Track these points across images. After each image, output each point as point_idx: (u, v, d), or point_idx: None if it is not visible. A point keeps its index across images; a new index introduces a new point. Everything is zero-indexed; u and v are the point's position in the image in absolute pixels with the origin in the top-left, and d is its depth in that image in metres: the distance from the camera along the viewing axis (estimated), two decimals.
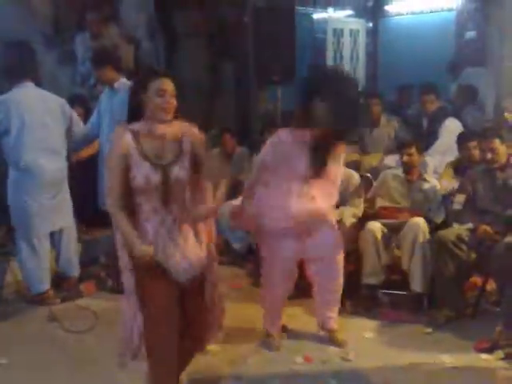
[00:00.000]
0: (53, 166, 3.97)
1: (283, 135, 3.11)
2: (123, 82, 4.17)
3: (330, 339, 3.37)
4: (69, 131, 4.11)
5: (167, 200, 2.47)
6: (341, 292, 3.37)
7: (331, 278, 3.30)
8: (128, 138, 2.43)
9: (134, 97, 2.50)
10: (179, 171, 2.47)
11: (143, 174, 2.41)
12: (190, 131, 2.54)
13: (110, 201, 2.44)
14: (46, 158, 3.92)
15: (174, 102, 2.48)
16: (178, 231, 2.49)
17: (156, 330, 2.46)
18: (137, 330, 2.55)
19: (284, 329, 3.50)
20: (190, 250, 2.51)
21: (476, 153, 4.20)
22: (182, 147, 2.50)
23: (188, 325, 2.57)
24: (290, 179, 3.07)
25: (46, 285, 4.02)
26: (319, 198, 3.13)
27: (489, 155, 3.69)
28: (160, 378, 2.53)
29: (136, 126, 2.47)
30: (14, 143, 3.87)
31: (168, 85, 2.47)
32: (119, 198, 2.43)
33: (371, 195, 4.23)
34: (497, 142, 3.67)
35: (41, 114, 3.93)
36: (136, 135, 2.45)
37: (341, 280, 3.34)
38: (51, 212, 4.00)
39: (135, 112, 2.50)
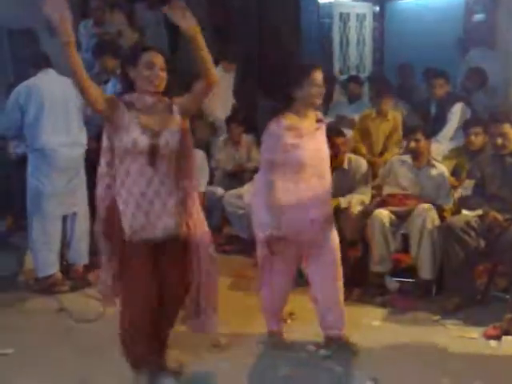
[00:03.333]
0: (70, 150, 4.05)
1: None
2: None
3: (340, 348, 3.12)
4: (85, 119, 4.19)
5: (154, 162, 2.56)
6: (342, 292, 3.11)
7: (331, 275, 3.07)
8: (121, 104, 2.54)
9: (124, 71, 2.60)
10: (169, 137, 2.58)
11: (131, 137, 2.51)
12: (178, 100, 2.64)
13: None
14: (64, 143, 4.01)
15: (163, 74, 2.56)
16: (165, 192, 2.59)
17: (133, 301, 2.61)
18: (111, 271, 2.71)
19: (290, 316, 3.49)
20: (174, 210, 2.62)
21: (478, 140, 4.15)
22: (172, 113, 2.61)
23: (166, 292, 2.67)
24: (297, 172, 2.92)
25: (54, 268, 4.06)
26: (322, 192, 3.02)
27: (499, 140, 3.61)
28: (139, 354, 2.69)
29: (127, 97, 2.58)
30: (34, 126, 3.96)
31: (157, 58, 2.55)
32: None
33: (379, 182, 4.20)
34: (507, 127, 3.59)
35: (61, 99, 4.01)
36: (128, 104, 2.55)
37: (341, 281, 3.11)
38: (66, 196, 4.07)
39: (127, 86, 2.60)
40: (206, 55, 2.53)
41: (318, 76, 2.93)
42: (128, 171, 2.56)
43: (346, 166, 4.08)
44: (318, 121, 3.03)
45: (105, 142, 2.63)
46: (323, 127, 3.06)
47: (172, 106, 2.62)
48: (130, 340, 2.68)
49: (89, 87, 2.46)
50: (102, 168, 2.65)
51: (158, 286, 2.65)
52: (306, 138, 2.91)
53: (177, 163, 2.66)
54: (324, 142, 3.04)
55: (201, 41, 2.50)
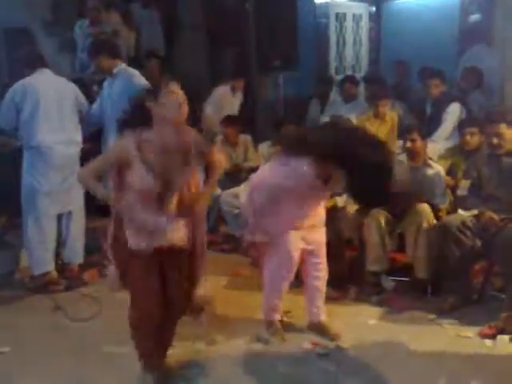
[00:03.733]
0: (66, 148, 4.05)
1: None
2: (122, 68, 4.23)
3: (322, 332, 3.28)
4: (81, 118, 4.20)
5: (162, 203, 2.55)
6: (325, 286, 3.32)
7: (320, 272, 3.27)
8: (131, 142, 2.50)
9: (143, 104, 2.53)
10: (181, 179, 2.57)
11: (144, 180, 2.49)
12: (196, 141, 2.63)
13: (86, 172, 2.60)
14: (60, 141, 4.01)
15: (184, 107, 2.52)
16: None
17: (140, 303, 2.63)
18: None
19: (286, 314, 3.49)
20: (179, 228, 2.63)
21: (473, 140, 4.16)
22: (189, 160, 2.59)
23: (169, 299, 2.69)
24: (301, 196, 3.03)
25: (49, 266, 4.05)
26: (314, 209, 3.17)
27: (494, 140, 3.61)
28: (146, 350, 2.73)
29: (145, 133, 2.52)
30: (29, 125, 3.96)
31: (178, 89, 2.52)
32: (95, 176, 2.57)
33: None
34: (503, 127, 3.58)
35: (57, 99, 4.02)
36: (141, 143, 2.50)
37: (326, 274, 3.31)
38: (62, 194, 4.07)
39: (143, 120, 2.53)
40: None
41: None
42: (133, 201, 2.55)
43: None
44: None
45: (112, 176, 2.63)
46: None
47: (189, 147, 2.58)
48: (139, 338, 2.73)
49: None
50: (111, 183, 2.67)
51: (163, 291, 2.67)
52: None
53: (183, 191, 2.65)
54: None
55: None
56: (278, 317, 3.35)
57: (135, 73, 4.27)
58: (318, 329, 3.31)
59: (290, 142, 3.09)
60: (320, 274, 3.28)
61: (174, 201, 2.58)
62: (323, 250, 3.27)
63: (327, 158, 2.78)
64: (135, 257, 2.60)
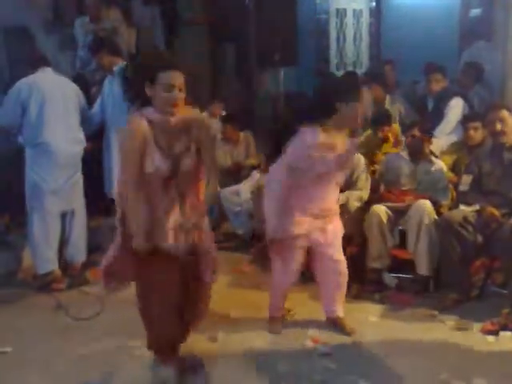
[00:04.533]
0: (71, 147, 4.07)
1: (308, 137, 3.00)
2: (121, 65, 4.20)
3: (339, 327, 3.31)
4: (83, 117, 4.21)
5: (171, 188, 2.51)
6: (346, 281, 3.33)
7: (339, 265, 3.27)
8: (145, 125, 2.44)
9: (141, 86, 2.46)
10: (189, 162, 2.53)
11: (153, 163, 2.45)
12: (199, 121, 2.57)
13: (130, 183, 2.47)
14: (65, 140, 4.02)
15: (182, 95, 2.47)
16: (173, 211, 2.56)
17: (156, 307, 2.60)
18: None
19: (287, 312, 3.50)
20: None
21: (477, 134, 4.15)
22: (191, 138, 2.54)
23: (189, 298, 2.67)
24: (317, 182, 3.05)
25: (53, 265, 4.06)
26: (333, 194, 3.18)
27: (498, 126, 3.59)
28: (161, 351, 2.71)
29: (150, 113, 2.47)
30: (35, 123, 3.96)
31: (177, 79, 2.44)
32: (137, 182, 2.46)
33: (377, 178, 4.20)
34: (505, 113, 3.59)
35: (60, 97, 4.04)
36: (151, 124, 2.46)
37: (345, 270, 3.30)
38: (66, 192, 4.08)
39: (139, 97, 2.49)
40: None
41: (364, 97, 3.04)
42: (148, 196, 2.53)
43: None
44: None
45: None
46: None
47: (192, 129, 2.54)
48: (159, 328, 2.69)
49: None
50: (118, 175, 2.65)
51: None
52: (331, 153, 2.98)
53: (189, 182, 2.63)
54: None
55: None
56: (280, 313, 3.38)
57: None
58: (335, 324, 3.33)
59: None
60: (340, 267, 3.26)
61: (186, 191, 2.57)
62: (340, 242, 3.26)
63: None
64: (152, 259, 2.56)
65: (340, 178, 3.19)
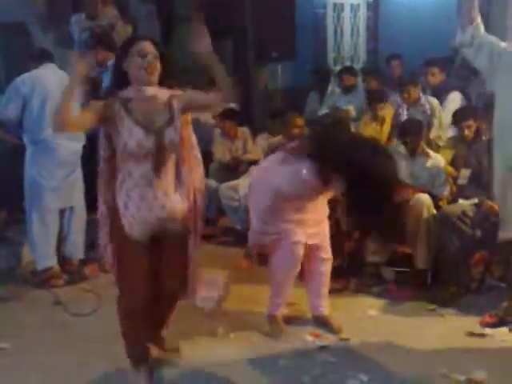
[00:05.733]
0: (71, 144, 4.05)
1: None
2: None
3: (325, 326, 3.28)
4: None
5: (159, 165, 2.50)
6: (329, 279, 3.32)
7: (325, 265, 3.27)
8: (117, 105, 2.46)
9: (118, 63, 2.54)
10: (173, 134, 2.51)
11: (135, 139, 2.44)
12: (177, 92, 2.56)
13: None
14: (66, 137, 3.98)
15: (156, 63, 2.49)
16: (159, 184, 2.53)
17: (130, 292, 2.56)
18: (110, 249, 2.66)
19: (291, 306, 3.48)
20: (171, 202, 2.56)
21: (471, 131, 4.10)
22: (172, 108, 2.52)
23: (165, 281, 2.62)
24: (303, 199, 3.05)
25: (52, 260, 4.06)
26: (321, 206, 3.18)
27: None
28: (132, 341, 2.66)
29: (124, 92, 2.50)
30: (36, 118, 3.94)
31: (149, 47, 2.49)
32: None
33: None
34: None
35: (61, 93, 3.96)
36: (125, 102, 2.47)
37: (329, 268, 3.30)
38: (65, 189, 4.08)
39: (120, 79, 2.53)
40: (221, 78, 2.50)
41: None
42: (130, 173, 2.51)
43: None
44: None
45: (102, 140, 2.56)
46: None
47: (172, 100, 2.53)
48: (129, 328, 2.66)
49: (78, 120, 2.43)
50: (101, 165, 2.61)
51: (154, 275, 2.60)
52: None
53: (179, 161, 2.61)
54: None
55: (216, 68, 2.49)
56: (281, 311, 3.33)
57: None
58: (322, 322, 3.30)
59: (307, 141, 3.09)
60: (325, 267, 3.27)
61: (170, 167, 2.54)
62: (328, 243, 3.26)
63: (332, 164, 2.76)
64: (128, 239, 2.54)
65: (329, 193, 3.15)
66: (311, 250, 3.21)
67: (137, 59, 2.46)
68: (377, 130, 4.98)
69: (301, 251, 3.14)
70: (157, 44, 2.54)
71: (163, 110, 2.51)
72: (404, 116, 4.81)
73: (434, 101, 4.88)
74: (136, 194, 2.51)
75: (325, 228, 3.26)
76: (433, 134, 4.69)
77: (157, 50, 2.50)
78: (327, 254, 3.27)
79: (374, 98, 5.09)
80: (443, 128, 4.75)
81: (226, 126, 5.31)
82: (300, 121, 4.55)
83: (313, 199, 3.10)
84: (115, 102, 2.47)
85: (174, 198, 2.58)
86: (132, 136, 2.44)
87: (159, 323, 2.83)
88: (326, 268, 3.28)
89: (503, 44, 2.79)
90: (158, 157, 2.49)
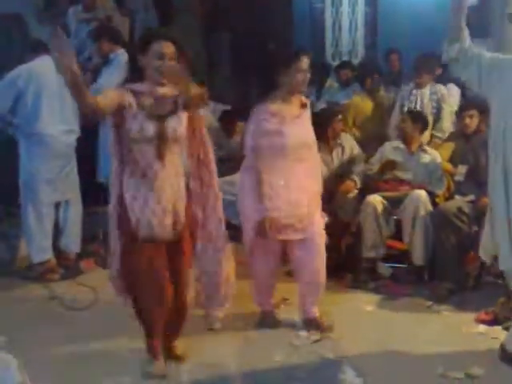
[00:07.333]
0: (66, 137, 4.05)
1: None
2: (118, 53, 4.22)
3: (316, 327, 3.18)
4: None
5: (162, 153, 2.53)
6: (323, 280, 3.15)
7: (311, 263, 3.11)
8: (128, 94, 2.49)
9: (134, 58, 2.55)
10: (176, 124, 2.54)
11: (139, 123, 2.48)
12: (187, 90, 2.55)
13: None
14: (61, 130, 4.00)
15: (173, 65, 2.50)
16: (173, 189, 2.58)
17: (144, 295, 2.63)
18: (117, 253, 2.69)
19: (283, 302, 3.48)
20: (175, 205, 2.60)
21: (473, 122, 4.11)
22: (177, 102, 2.56)
23: (176, 285, 2.69)
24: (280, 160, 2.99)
25: (48, 254, 4.05)
26: (310, 185, 3.07)
27: None
28: (150, 343, 2.73)
29: (137, 86, 2.53)
30: (31, 111, 3.92)
31: (167, 47, 2.49)
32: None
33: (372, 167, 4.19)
34: None
35: (57, 86, 3.93)
36: (136, 94, 2.50)
37: (322, 267, 3.13)
38: (60, 182, 4.07)
39: (136, 73, 2.55)
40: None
41: (305, 62, 2.93)
42: (136, 163, 2.54)
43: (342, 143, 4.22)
44: (302, 106, 3.06)
45: (112, 135, 2.59)
46: (307, 112, 3.08)
47: (178, 98, 2.57)
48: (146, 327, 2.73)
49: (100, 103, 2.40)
50: (113, 162, 2.63)
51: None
52: (288, 124, 2.95)
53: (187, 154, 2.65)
54: (308, 126, 3.08)
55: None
56: (270, 306, 3.31)
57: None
58: (311, 324, 3.21)
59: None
60: (315, 266, 3.13)
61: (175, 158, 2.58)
62: (319, 240, 3.11)
63: None
64: (139, 243, 2.57)
65: (314, 165, 3.10)
66: (299, 247, 3.09)
67: (154, 61, 2.48)
68: (370, 107, 5.05)
69: (278, 247, 3.12)
70: (177, 43, 2.53)
71: (169, 103, 2.56)
72: (413, 102, 4.81)
73: (443, 88, 4.92)
74: (143, 187, 2.54)
75: (317, 224, 3.11)
76: (445, 125, 4.71)
77: (176, 49, 2.51)
78: (317, 253, 3.11)
79: (366, 70, 5.22)
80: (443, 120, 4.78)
81: (225, 121, 5.38)
82: None
83: (292, 163, 3.01)
84: (128, 91, 2.50)
85: (181, 190, 2.62)
86: (136, 120, 2.48)
87: (172, 335, 2.86)
88: (315, 267, 3.12)
89: (489, 54, 2.78)
90: (160, 144, 2.52)
